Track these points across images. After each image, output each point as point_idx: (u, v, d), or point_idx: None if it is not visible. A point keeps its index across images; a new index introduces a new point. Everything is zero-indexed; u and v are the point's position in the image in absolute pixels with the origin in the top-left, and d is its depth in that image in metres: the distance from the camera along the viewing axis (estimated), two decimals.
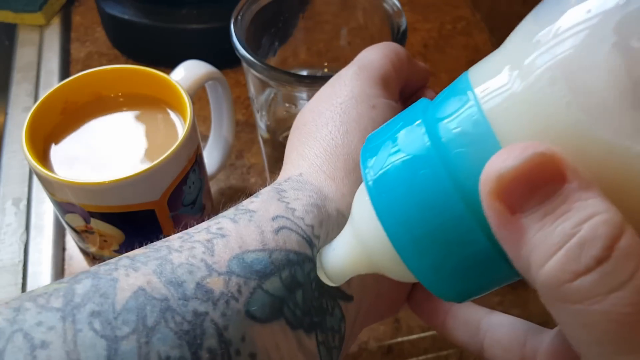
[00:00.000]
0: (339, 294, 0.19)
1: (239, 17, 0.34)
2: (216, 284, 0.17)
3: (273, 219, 0.19)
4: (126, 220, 0.31)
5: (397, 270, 0.17)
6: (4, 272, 0.39)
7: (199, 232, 0.18)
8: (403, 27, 0.33)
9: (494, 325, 0.20)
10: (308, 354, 0.18)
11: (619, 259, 0.12)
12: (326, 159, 0.21)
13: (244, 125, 0.48)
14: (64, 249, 0.41)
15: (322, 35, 0.40)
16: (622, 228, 0.12)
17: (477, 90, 0.15)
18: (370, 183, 0.16)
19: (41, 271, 0.39)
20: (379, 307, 0.22)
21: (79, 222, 0.31)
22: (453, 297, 0.16)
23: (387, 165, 0.16)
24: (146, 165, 0.29)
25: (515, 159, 0.13)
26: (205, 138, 0.42)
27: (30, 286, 0.39)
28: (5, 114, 0.50)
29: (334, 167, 0.21)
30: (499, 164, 0.13)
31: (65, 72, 0.53)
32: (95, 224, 0.31)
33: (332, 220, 0.20)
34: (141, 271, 0.17)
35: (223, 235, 0.18)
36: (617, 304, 0.12)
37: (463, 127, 0.15)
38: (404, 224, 0.15)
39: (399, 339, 0.37)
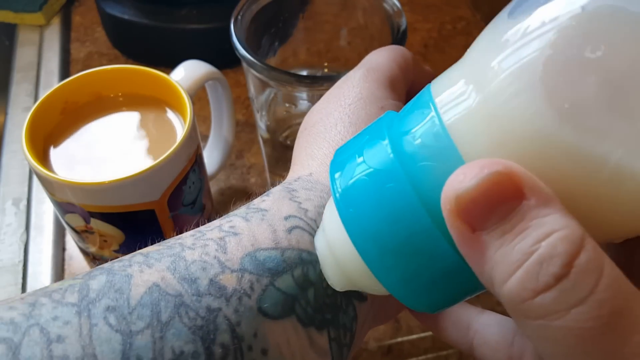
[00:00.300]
0: (355, 293, 0.20)
1: (239, 17, 0.34)
2: (229, 281, 0.17)
3: (285, 218, 0.19)
4: (126, 220, 0.31)
5: (369, 283, 0.17)
6: (4, 272, 0.39)
7: (212, 230, 0.19)
8: (403, 27, 0.33)
9: (483, 325, 0.21)
10: (319, 351, 0.18)
11: (578, 275, 0.12)
12: None
13: (244, 125, 0.48)
14: (64, 249, 0.41)
15: (322, 35, 0.40)
16: (582, 243, 0.12)
17: (438, 103, 0.15)
18: (337, 197, 0.16)
19: (41, 271, 0.39)
20: (386, 308, 0.22)
21: (79, 222, 0.31)
22: (425, 309, 0.16)
23: (353, 179, 0.16)
24: (146, 165, 0.29)
25: (472, 179, 0.13)
26: (205, 138, 0.42)
27: (30, 286, 0.39)
28: (5, 113, 0.50)
29: None
30: (457, 185, 0.13)
31: (65, 72, 0.53)
32: (95, 224, 0.31)
33: None
34: (155, 267, 0.17)
35: (235, 234, 0.18)
36: (578, 319, 0.12)
37: (425, 140, 0.15)
38: (371, 238, 0.15)
39: (399, 339, 0.37)
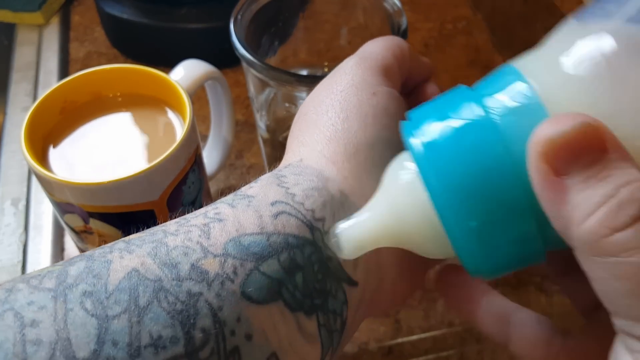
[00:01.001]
0: (345, 277, 0.19)
1: (239, 17, 0.34)
2: (211, 266, 0.17)
3: (272, 204, 0.19)
4: (125, 220, 0.31)
5: (429, 241, 0.17)
6: (3, 273, 0.39)
7: (196, 217, 0.19)
8: (403, 26, 0.33)
9: (523, 321, 0.21)
10: (308, 336, 0.18)
11: None
12: (326, 143, 0.21)
13: (243, 125, 0.48)
14: (62, 250, 0.41)
15: (322, 35, 0.40)
16: None
17: (526, 72, 0.16)
18: (419, 149, 0.17)
19: None
20: (381, 299, 0.22)
21: (78, 223, 0.31)
22: (485, 270, 0.17)
23: (438, 132, 0.17)
24: (145, 166, 0.29)
25: (564, 126, 0.14)
26: (205, 138, 0.42)
27: None
28: (4, 113, 0.50)
29: (334, 152, 0.21)
30: (549, 129, 0.14)
31: (64, 71, 0.53)
32: (94, 224, 0.31)
33: (336, 201, 0.20)
34: (135, 253, 0.17)
35: (220, 220, 0.18)
36: None
37: (514, 99, 0.16)
38: (453, 189, 0.16)
39: (400, 340, 0.37)
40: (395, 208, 0.18)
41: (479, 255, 0.17)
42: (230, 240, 0.18)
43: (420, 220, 0.17)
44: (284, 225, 0.18)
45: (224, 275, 0.17)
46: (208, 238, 0.18)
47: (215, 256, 0.17)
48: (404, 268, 0.22)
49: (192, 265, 0.17)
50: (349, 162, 0.21)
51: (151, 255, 0.17)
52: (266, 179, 0.20)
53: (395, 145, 0.21)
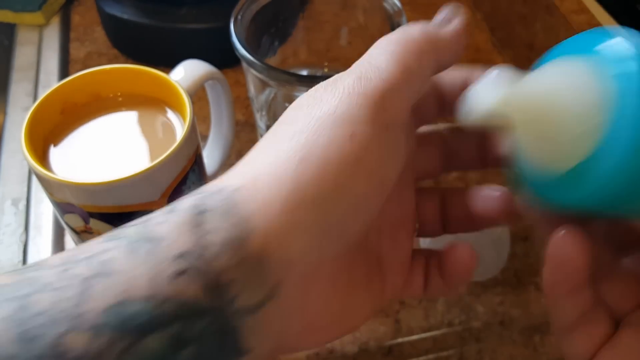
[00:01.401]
0: (234, 350, 0.17)
1: (239, 17, 0.34)
2: (77, 342, 0.14)
3: (177, 256, 0.16)
4: (125, 220, 0.30)
5: (562, 134, 0.18)
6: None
7: (84, 261, 0.16)
8: None
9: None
10: None
11: None
12: (272, 180, 0.18)
13: (244, 125, 0.48)
14: (63, 250, 0.41)
15: (322, 35, 0.40)
16: None
17: None
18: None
19: None
20: (283, 351, 0.21)
21: (78, 223, 0.31)
22: (595, 199, 0.17)
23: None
24: (145, 166, 0.29)
25: None
26: (205, 138, 0.42)
27: None
28: (5, 113, 0.50)
29: (275, 197, 0.18)
30: None
31: (64, 71, 0.53)
32: (95, 224, 0.31)
33: (253, 262, 0.17)
34: None
35: (108, 274, 0.16)
36: None
37: None
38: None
39: (399, 340, 0.37)
40: (553, 89, 0.18)
41: (616, 182, 0.17)
42: (111, 307, 0.15)
43: (576, 111, 0.17)
44: (182, 289, 0.16)
45: (91, 356, 0.14)
46: (86, 301, 0.15)
47: (87, 329, 0.15)
48: (315, 327, 0.21)
49: (55, 339, 0.14)
50: (284, 216, 0.17)
51: (13, 320, 0.14)
52: (183, 212, 0.17)
53: (353, 207, 0.19)
